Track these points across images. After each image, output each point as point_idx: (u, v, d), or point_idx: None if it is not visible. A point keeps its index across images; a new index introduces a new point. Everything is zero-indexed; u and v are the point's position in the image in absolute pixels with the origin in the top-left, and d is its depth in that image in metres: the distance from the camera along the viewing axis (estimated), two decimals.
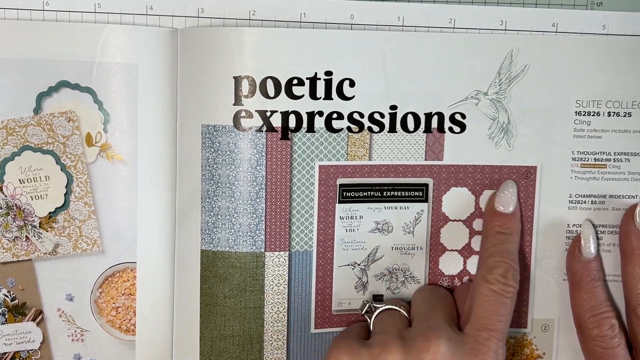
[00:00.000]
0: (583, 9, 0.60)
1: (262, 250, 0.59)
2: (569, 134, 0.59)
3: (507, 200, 0.58)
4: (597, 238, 0.59)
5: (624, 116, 0.59)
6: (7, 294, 0.60)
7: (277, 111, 0.57)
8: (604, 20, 0.59)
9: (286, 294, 0.60)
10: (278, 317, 0.60)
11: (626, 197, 0.60)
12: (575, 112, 0.59)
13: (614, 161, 0.60)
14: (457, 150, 0.59)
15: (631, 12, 0.59)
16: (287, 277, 0.60)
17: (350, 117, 0.58)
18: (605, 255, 0.60)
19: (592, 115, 0.59)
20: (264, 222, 0.59)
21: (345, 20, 0.58)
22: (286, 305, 0.60)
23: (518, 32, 0.59)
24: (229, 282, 0.59)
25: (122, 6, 0.58)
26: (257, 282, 0.59)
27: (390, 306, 0.58)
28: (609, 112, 0.59)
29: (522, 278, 0.60)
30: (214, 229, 0.58)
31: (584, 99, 0.59)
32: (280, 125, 0.57)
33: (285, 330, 0.60)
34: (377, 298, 0.61)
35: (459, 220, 0.60)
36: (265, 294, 0.60)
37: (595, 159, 0.59)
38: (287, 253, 0.59)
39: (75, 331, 0.61)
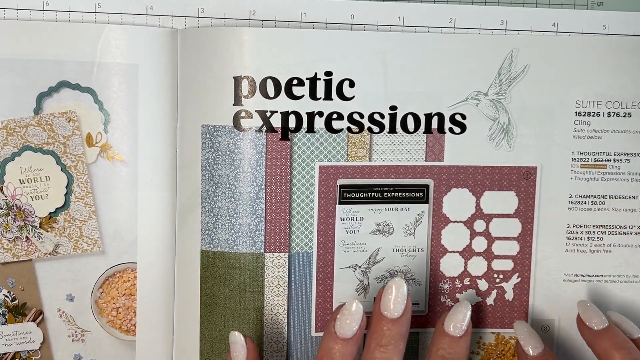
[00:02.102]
0: (583, 8, 0.60)
1: (262, 251, 0.59)
2: (569, 135, 0.59)
3: (458, 321, 0.53)
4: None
5: (624, 116, 0.59)
6: (8, 295, 0.60)
7: (277, 111, 0.57)
8: (604, 20, 0.59)
9: (286, 295, 0.60)
10: (278, 319, 0.60)
11: (626, 197, 0.60)
12: (576, 112, 0.59)
13: (614, 161, 0.60)
14: (457, 151, 0.59)
15: (631, 12, 0.59)
16: (287, 279, 0.59)
17: (350, 118, 0.58)
18: (605, 255, 0.60)
19: (592, 115, 0.59)
20: (263, 223, 0.58)
21: (345, 20, 0.58)
22: (286, 307, 0.60)
23: (518, 32, 0.59)
24: (228, 283, 0.59)
25: (122, 6, 0.58)
26: (257, 283, 0.59)
27: None
28: (609, 112, 0.59)
29: (522, 279, 0.60)
30: (214, 230, 0.58)
31: (584, 99, 0.59)
32: (280, 126, 0.57)
33: (285, 332, 0.60)
34: None
35: (460, 221, 0.60)
36: (265, 295, 0.59)
37: (595, 159, 0.60)
38: (287, 254, 0.59)
39: (75, 331, 0.61)
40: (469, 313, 0.53)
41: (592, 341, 0.54)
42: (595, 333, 0.54)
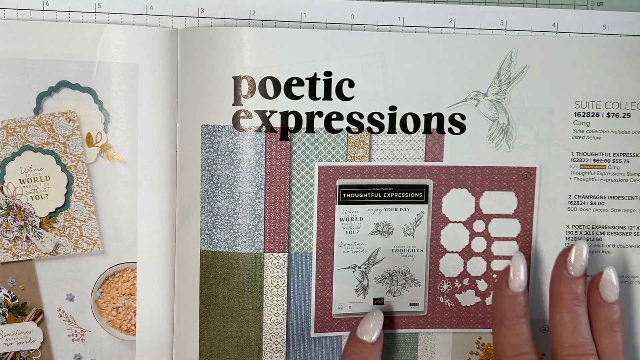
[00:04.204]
0: (583, 8, 0.60)
1: (261, 251, 0.59)
2: (569, 135, 0.59)
3: (370, 329, 0.57)
4: (528, 272, 0.56)
5: (623, 117, 0.59)
6: (8, 294, 0.61)
7: (276, 111, 0.57)
8: (604, 20, 0.59)
9: (285, 296, 0.60)
10: (277, 319, 0.60)
11: (626, 197, 0.60)
12: (575, 112, 0.59)
13: (613, 162, 0.60)
14: (456, 151, 0.59)
15: (631, 12, 0.59)
16: (286, 279, 0.60)
17: (350, 118, 0.58)
18: (605, 256, 0.60)
19: (592, 116, 0.59)
20: (263, 223, 0.58)
21: (345, 20, 0.59)
22: (285, 308, 0.60)
23: (518, 33, 0.59)
24: (227, 283, 0.59)
25: (122, 6, 0.58)
26: (256, 283, 0.59)
27: None
28: (608, 112, 0.59)
29: None
30: (213, 230, 0.58)
31: (583, 99, 0.59)
32: (279, 126, 0.57)
33: (285, 333, 0.60)
34: (378, 301, 0.61)
35: (459, 221, 0.60)
36: (264, 296, 0.59)
37: (594, 159, 0.60)
38: (286, 254, 0.59)
39: (75, 331, 0.61)
40: (380, 322, 0.57)
41: (557, 279, 0.54)
42: (566, 276, 0.54)
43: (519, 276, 0.54)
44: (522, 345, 0.53)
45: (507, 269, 0.55)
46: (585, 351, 0.52)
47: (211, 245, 0.59)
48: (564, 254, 0.55)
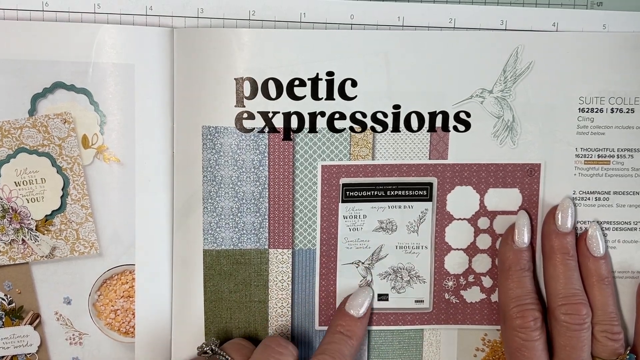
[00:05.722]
0: (583, 8, 0.62)
1: (266, 247, 0.62)
2: (573, 131, 0.61)
3: (358, 304, 0.62)
4: (531, 229, 0.62)
5: (627, 112, 0.61)
6: (4, 298, 0.62)
7: (279, 112, 0.60)
8: (604, 20, 0.60)
9: (290, 290, 0.63)
10: (282, 312, 0.63)
11: (630, 193, 0.62)
12: (579, 108, 0.61)
13: (618, 157, 0.62)
14: (461, 148, 0.61)
15: (631, 12, 0.61)
16: (290, 274, 0.63)
17: (353, 117, 0.60)
18: (610, 251, 0.62)
19: (596, 111, 0.61)
20: (267, 221, 0.61)
21: (345, 20, 0.60)
22: (290, 301, 0.63)
23: (518, 32, 0.60)
24: (234, 278, 0.62)
25: (121, 7, 0.60)
26: (262, 277, 0.62)
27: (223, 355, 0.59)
28: (612, 108, 0.61)
29: None
30: (217, 229, 0.61)
31: (587, 95, 0.61)
32: (282, 126, 0.60)
33: (290, 325, 0.64)
34: (382, 298, 0.64)
35: (464, 219, 0.63)
36: (270, 289, 0.63)
37: (598, 155, 0.61)
38: (290, 251, 0.62)
39: (73, 334, 0.64)
40: (369, 299, 0.62)
41: (547, 235, 0.61)
42: (555, 231, 0.61)
43: (522, 234, 0.61)
44: (525, 297, 0.59)
45: (512, 226, 0.61)
46: (577, 300, 0.59)
47: (215, 244, 0.61)
48: (552, 211, 0.61)
